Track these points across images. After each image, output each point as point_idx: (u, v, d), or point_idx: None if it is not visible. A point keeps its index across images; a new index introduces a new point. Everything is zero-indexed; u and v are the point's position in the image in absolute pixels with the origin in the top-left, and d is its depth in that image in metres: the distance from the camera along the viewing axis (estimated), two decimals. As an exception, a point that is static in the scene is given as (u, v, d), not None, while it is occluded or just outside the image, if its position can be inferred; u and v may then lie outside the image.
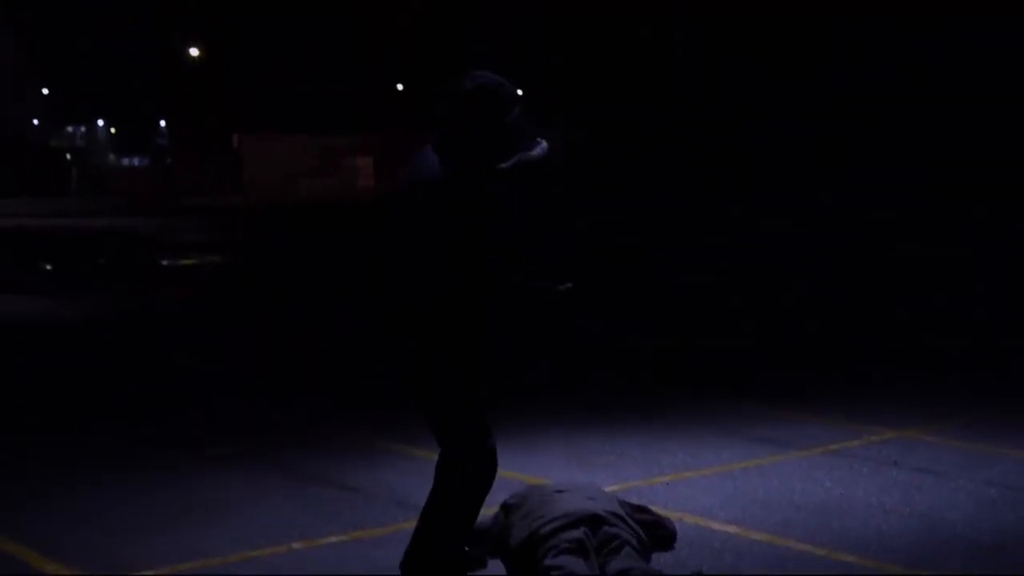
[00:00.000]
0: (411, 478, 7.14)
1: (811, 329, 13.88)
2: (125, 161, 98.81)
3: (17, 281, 19.63)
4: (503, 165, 5.14)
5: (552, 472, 7.48)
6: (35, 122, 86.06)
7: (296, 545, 6.23)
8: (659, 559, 5.94)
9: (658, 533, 6.07)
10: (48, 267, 23.57)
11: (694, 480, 7.48)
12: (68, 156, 64.42)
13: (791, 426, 8.84)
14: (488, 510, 5.67)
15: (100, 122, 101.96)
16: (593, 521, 5.74)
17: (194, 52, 63.27)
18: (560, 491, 6.01)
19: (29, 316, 15.45)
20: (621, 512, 5.92)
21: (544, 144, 5.32)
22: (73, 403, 10.06)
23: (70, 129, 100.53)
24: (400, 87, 62.77)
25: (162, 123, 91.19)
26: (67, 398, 10.27)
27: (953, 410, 9.37)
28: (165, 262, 23.82)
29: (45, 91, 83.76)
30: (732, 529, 6.49)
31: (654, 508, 6.38)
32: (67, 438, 8.76)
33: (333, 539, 6.33)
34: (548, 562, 5.54)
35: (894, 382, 10.60)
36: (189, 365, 11.91)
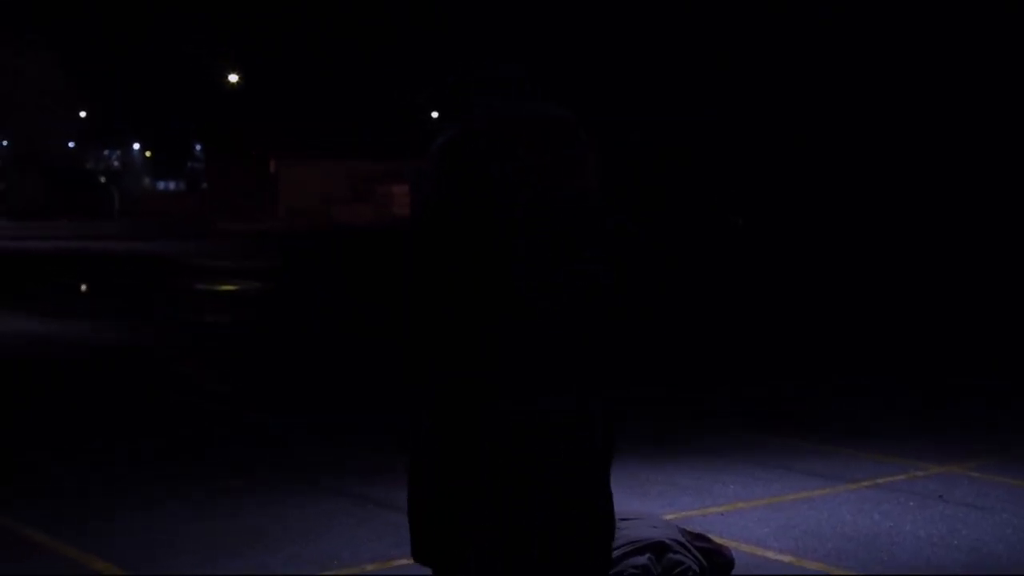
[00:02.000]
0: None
1: (850, 361, 14.13)
2: (160, 185, 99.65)
3: (59, 304, 20.00)
4: None
5: (609, 501, 7.75)
6: (71, 145, 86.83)
7: (370, 567, 6.52)
8: (718, 586, 6.20)
9: (717, 560, 6.33)
10: (90, 290, 23.94)
11: (747, 511, 7.74)
12: (103, 179, 65.01)
13: (838, 460, 9.10)
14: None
15: (136, 145, 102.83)
16: (658, 548, 6.02)
17: (233, 78, 63.86)
18: (625, 519, 6.27)
19: (70, 338, 15.76)
20: (683, 540, 6.19)
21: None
22: (128, 428, 10.36)
23: (106, 152, 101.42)
24: (435, 115, 63.19)
25: (197, 147, 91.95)
26: (122, 423, 10.59)
27: (993, 446, 9.62)
28: (204, 287, 24.20)
29: (82, 114, 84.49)
30: (787, 558, 6.75)
31: (712, 536, 6.65)
32: (127, 463, 9.08)
33: (404, 561, 6.60)
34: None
35: (936, 417, 10.85)
36: (240, 392, 12.26)
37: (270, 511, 7.63)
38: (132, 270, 28.24)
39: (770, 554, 6.84)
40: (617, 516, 6.33)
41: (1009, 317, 18.20)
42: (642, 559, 5.95)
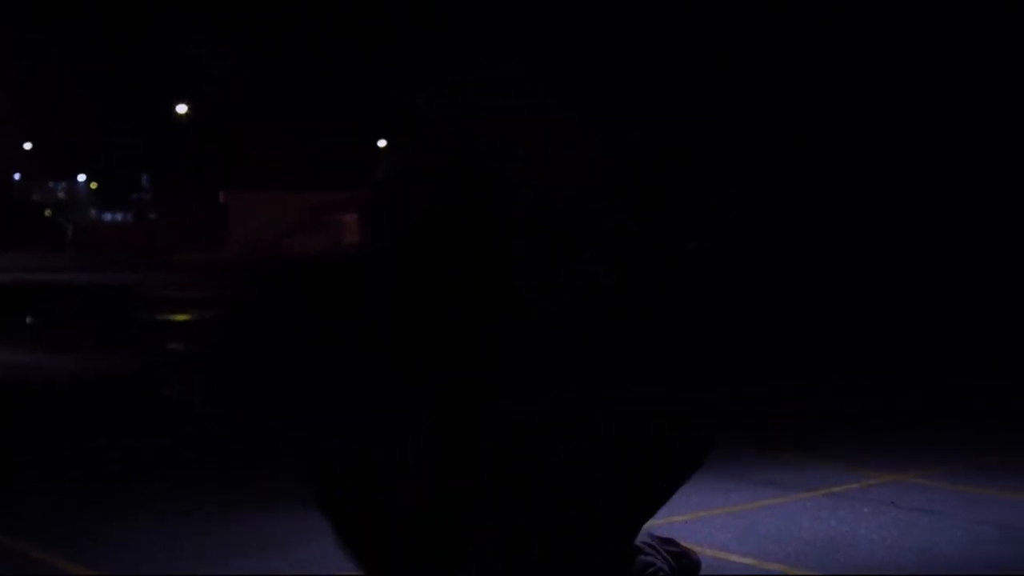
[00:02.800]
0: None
1: (800, 371, 14.58)
2: (107, 216, 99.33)
3: (40, 334, 20.19)
4: None
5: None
6: (16, 176, 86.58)
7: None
8: (686, 586, 6.56)
9: (684, 563, 6.67)
10: (68, 321, 24.09)
11: (708, 519, 8.10)
12: (47, 212, 64.89)
13: (793, 471, 9.49)
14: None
15: (81, 177, 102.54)
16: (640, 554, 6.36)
17: (181, 108, 63.99)
18: (597, 524, 6.63)
19: (59, 366, 16.00)
20: (652, 543, 6.54)
21: None
22: (111, 448, 10.67)
23: (51, 184, 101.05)
24: (382, 144, 63.50)
25: (144, 178, 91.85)
26: (104, 443, 10.90)
27: (941, 456, 10.05)
28: (165, 317, 24.41)
29: (27, 146, 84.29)
30: (749, 560, 7.12)
31: (679, 540, 7.00)
32: (115, 482, 9.38)
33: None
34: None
35: (887, 428, 11.30)
36: (212, 413, 12.59)
37: (253, 521, 7.94)
38: (103, 301, 28.40)
39: (733, 557, 7.20)
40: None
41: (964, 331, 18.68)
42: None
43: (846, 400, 12.89)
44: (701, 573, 6.76)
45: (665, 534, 7.23)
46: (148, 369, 15.94)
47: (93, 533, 7.74)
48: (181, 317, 24.69)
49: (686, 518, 8.13)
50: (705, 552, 7.20)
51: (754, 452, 10.16)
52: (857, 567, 7.02)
